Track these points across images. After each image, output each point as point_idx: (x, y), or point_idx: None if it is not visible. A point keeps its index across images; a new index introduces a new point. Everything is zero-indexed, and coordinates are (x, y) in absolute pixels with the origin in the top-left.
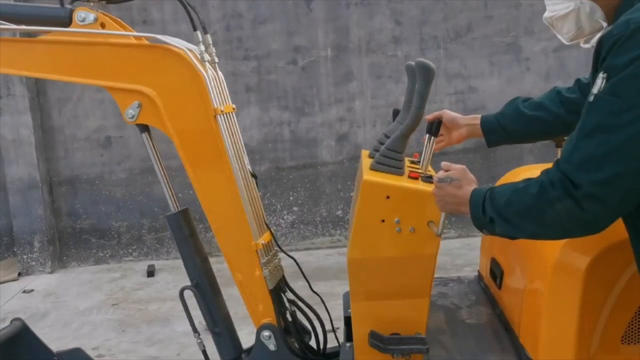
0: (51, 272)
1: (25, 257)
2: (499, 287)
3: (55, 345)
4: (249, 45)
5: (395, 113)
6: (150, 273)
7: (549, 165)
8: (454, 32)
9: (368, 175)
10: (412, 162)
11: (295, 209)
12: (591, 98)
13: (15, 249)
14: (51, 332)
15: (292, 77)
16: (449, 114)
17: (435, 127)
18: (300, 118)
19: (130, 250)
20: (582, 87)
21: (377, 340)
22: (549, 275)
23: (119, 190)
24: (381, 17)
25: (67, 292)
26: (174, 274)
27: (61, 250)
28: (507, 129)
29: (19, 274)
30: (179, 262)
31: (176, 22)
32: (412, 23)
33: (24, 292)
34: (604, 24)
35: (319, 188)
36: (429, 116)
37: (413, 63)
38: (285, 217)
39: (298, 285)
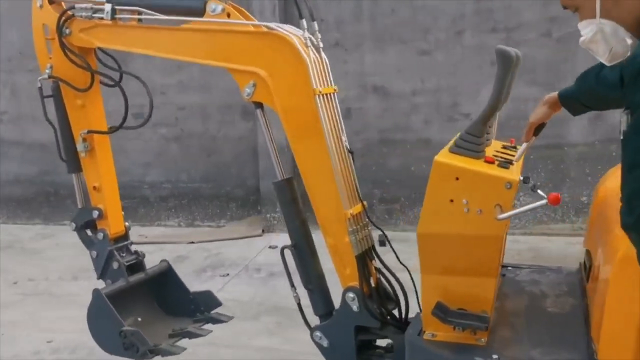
0: None
1: (268, 215)
2: (587, 279)
3: None
4: (498, 17)
5: None
6: (382, 242)
7: None
8: None
9: (440, 156)
10: (505, 147)
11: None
12: (621, 135)
13: (259, 208)
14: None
15: (544, 51)
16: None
17: (536, 130)
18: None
19: None
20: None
21: (440, 311)
22: (616, 266)
23: (355, 160)
24: None
25: None
26: (403, 245)
27: None
28: (582, 101)
29: (263, 231)
30: (408, 234)
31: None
32: None
33: (270, 247)
34: (630, 41)
35: (563, 170)
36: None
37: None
38: (521, 198)
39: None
